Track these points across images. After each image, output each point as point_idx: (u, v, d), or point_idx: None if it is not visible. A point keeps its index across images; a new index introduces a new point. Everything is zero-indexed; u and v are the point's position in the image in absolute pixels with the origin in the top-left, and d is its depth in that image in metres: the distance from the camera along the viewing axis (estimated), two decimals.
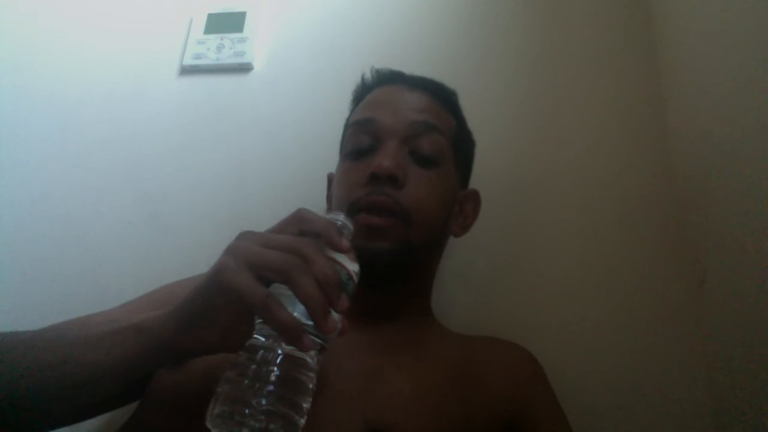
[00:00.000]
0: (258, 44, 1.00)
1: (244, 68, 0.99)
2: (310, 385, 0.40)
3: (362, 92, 0.73)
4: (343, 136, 0.70)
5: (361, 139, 0.64)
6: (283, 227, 0.44)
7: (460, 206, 0.69)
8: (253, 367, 0.39)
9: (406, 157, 0.62)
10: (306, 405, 0.40)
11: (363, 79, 0.74)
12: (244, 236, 0.44)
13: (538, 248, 0.80)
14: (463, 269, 0.79)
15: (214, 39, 1.01)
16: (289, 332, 0.38)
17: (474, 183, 0.75)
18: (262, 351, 0.40)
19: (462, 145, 0.70)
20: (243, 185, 0.90)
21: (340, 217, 0.47)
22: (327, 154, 0.76)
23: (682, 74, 0.80)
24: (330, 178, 0.72)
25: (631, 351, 0.72)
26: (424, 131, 0.63)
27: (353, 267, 0.45)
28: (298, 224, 0.44)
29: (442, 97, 0.69)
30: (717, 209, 0.68)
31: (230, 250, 0.42)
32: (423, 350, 0.60)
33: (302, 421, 0.39)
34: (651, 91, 0.86)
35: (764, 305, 0.57)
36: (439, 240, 0.67)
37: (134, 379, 0.47)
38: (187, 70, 1.01)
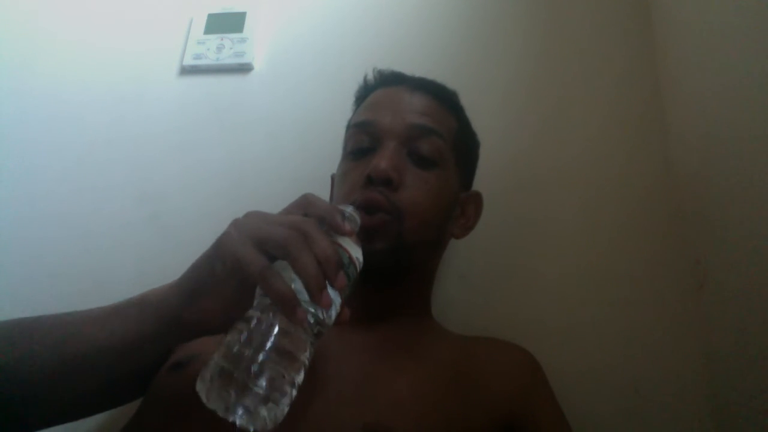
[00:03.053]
0: (258, 44, 1.00)
1: (244, 68, 0.99)
2: (302, 364, 0.41)
3: (364, 93, 0.73)
4: (345, 136, 0.70)
5: (361, 140, 0.65)
6: (289, 210, 0.46)
7: (461, 208, 0.69)
8: (246, 335, 0.39)
9: (404, 159, 0.62)
10: (297, 380, 0.40)
11: (365, 79, 0.74)
12: (250, 214, 0.45)
13: (539, 248, 0.80)
14: (463, 269, 0.79)
15: (214, 39, 1.01)
16: (284, 301, 0.39)
17: (474, 183, 0.75)
18: (256, 321, 0.40)
19: (463, 146, 0.69)
20: (243, 185, 0.90)
21: (348, 209, 0.49)
22: (327, 154, 0.76)
23: (682, 74, 0.80)
24: (333, 179, 0.72)
25: (632, 351, 0.72)
26: (423, 133, 0.63)
27: (356, 252, 0.46)
28: (304, 207, 0.46)
29: (443, 98, 0.69)
30: (717, 209, 0.68)
31: (234, 224, 0.44)
32: (422, 352, 0.60)
33: (293, 392, 0.40)
34: (651, 91, 0.86)
35: (764, 306, 0.57)
36: (437, 241, 0.67)
37: (136, 359, 0.47)
38: (187, 71, 1.01)
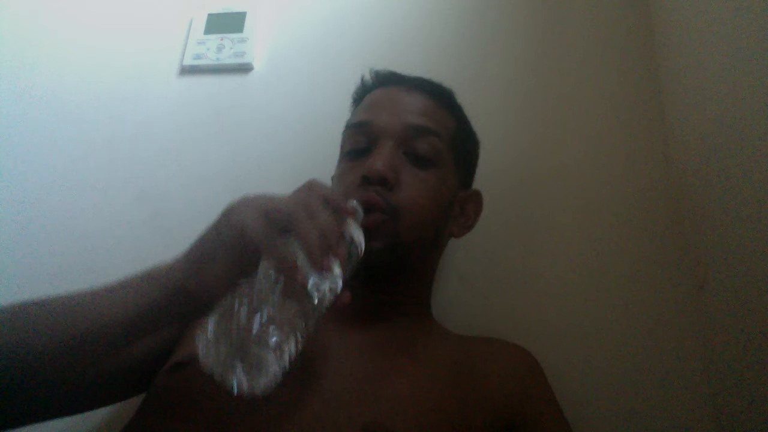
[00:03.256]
0: (258, 44, 1.00)
1: (244, 68, 0.99)
2: (300, 333, 0.41)
3: (361, 94, 0.73)
4: (342, 137, 0.70)
5: (358, 141, 0.65)
6: (295, 192, 0.48)
7: (461, 207, 0.69)
8: (246, 298, 0.40)
9: (401, 159, 0.62)
10: (291, 347, 0.40)
11: (362, 80, 0.74)
12: (255, 194, 0.47)
13: (539, 248, 0.80)
14: (463, 269, 0.79)
15: (214, 39, 1.01)
16: (285, 263, 0.40)
17: (475, 183, 0.75)
18: (257, 285, 0.40)
19: (462, 145, 0.69)
20: (243, 185, 0.90)
21: (353, 202, 0.51)
22: (327, 155, 0.76)
23: (682, 74, 0.80)
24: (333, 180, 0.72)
25: (632, 351, 0.72)
26: (419, 133, 0.64)
27: (358, 235, 0.48)
28: (309, 189, 0.47)
29: (440, 97, 0.69)
30: (717, 209, 0.68)
31: (242, 197, 0.46)
32: (421, 352, 0.60)
33: (287, 357, 0.40)
34: (651, 91, 0.86)
35: (764, 306, 0.57)
36: (435, 240, 0.66)
37: (141, 333, 0.47)
38: (187, 70, 1.01)
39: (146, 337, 0.49)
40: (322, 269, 0.42)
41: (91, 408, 0.58)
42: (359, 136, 0.65)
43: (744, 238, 0.61)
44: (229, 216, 0.45)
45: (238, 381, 0.38)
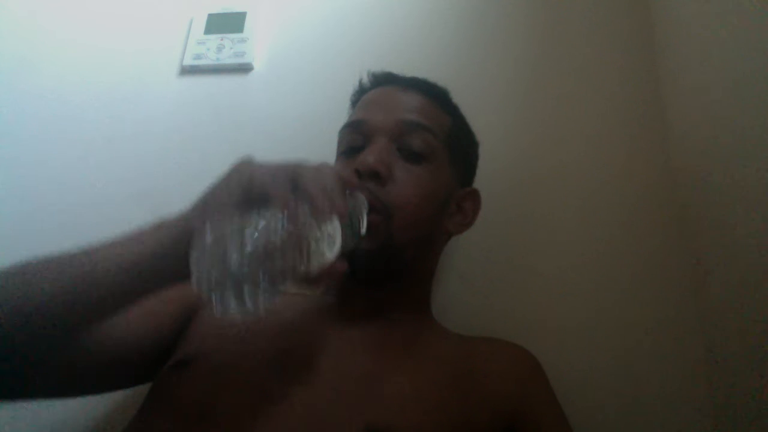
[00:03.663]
0: (258, 44, 1.00)
1: (244, 68, 0.99)
2: (293, 269, 0.41)
3: (358, 96, 0.74)
4: (338, 138, 0.71)
5: (354, 139, 0.65)
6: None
7: (458, 204, 0.69)
8: (246, 231, 0.40)
9: (394, 154, 0.63)
10: (280, 282, 0.40)
11: (360, 83, 0.75)
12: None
13: (539, 248, 0.80)
14: (463, 269, 0.79)
15: (214, 39, 1.01)
16: (285, 200, 0.42)
17: (475, 182, 0.75)
18: (256, 216, 0.41)
19: (458, 143, 0.70)
20: None
21: (360, 196, 0.53)
22: (327, 154, 0.75)
23: (682, 73, 0.80)
24: None
25: (632, 351, 0.72)
26: (412, 129, 0.64)
27: (361, 206, 0.50)
28: (318, 164, 0.49)
29: (434, 96, 0.70)
30: (718, 209, 0.68)
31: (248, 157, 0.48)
32: (422, 351, 0.60)
33: (276, 290, 0.40)
34: (651, 90, 0.86)
35: (764, 306, 0.57)
36: (430, 237, 0.66)
37: (149, 281, 0.47)
38: (187, 71, 1.01)
39: (150, 289, 0.48)
40: (322, 212, 0.43)
41: (86, 391, 0.59)
42: (355, 134, 0.66)
43: (744, 238, 0.61)
44: (239, 166, 0.48)
45: (224, 303, 0.38)
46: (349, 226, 0.47)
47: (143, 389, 0.58)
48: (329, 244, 0.44)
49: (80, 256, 0.47)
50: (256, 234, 0.39)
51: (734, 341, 0.63)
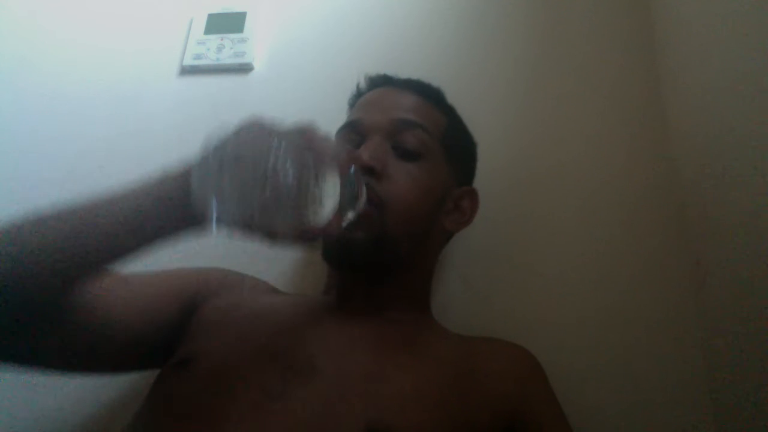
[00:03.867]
0: (258, 44, 1.00)
1: (244, 68, 0.99)
2: (287, 205, 0.43)
3: (355, 99, 0.75)
4: (335, 138, 0.71)
5: (351, 139, 0.66)
6: None
7: (455, 202, 0.70)
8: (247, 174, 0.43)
9: (388, 151, 0.63)
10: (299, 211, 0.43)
11: (357, 86, 0.76)
12: None
13: (539, 248, 0.80)
14: (463, 269, 0.79)
15: (214, 39, 1.01)
16: (294, 146, 0.44)
17: (475, 182, 0.75)
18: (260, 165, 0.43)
19: (454, 142, 0.70)
20: None
21: (359, 172, 0.54)
22: None
23: (682, 73, 0.80)
24: None
25: (632, 351, 0.72)
26: (407, 127, 0.65)
27: (360, 178, 0.52)
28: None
29: (430, 96, 0.71)
30: (718, 209, 0.68)
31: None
32: (423, 349, 0.60)
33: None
34: (651, 90, 0.86)
35: (764, 306, 0.57)
36: (426, 233, 0.66)
37: (152, 228, 0.49)
38: (187, 71, 1.01)
39: (151, 237, 0.50)
40: (324, 162, 0.44)
41: (76, 368, 0.59)
42: (351, 134, 0.66)
43: (744, 238, 0.61)
44: (249, 118, 0.50)
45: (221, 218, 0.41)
46: (349, 187, 0.49)
47: (143, 389, 0.58)
48: (328, 196, 0.45)
49: (83, 203, 0.50)
50: (262, 167, 0.41)
51: (734, 341, 0.63)
